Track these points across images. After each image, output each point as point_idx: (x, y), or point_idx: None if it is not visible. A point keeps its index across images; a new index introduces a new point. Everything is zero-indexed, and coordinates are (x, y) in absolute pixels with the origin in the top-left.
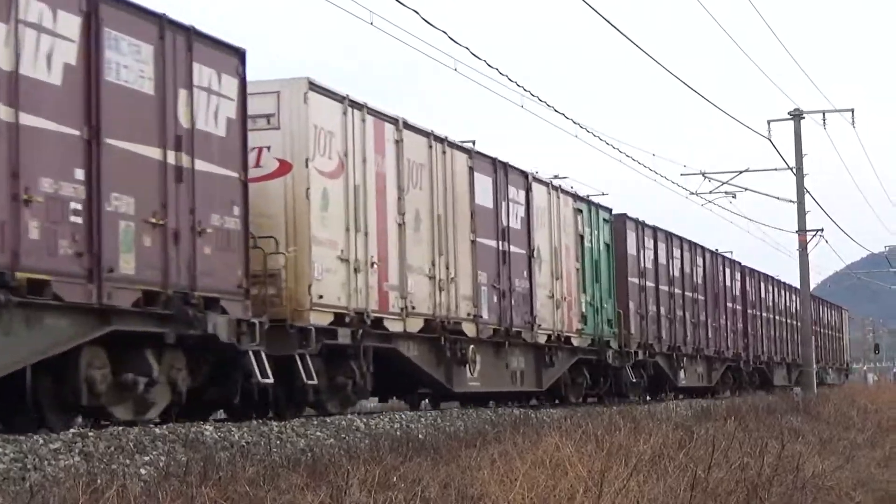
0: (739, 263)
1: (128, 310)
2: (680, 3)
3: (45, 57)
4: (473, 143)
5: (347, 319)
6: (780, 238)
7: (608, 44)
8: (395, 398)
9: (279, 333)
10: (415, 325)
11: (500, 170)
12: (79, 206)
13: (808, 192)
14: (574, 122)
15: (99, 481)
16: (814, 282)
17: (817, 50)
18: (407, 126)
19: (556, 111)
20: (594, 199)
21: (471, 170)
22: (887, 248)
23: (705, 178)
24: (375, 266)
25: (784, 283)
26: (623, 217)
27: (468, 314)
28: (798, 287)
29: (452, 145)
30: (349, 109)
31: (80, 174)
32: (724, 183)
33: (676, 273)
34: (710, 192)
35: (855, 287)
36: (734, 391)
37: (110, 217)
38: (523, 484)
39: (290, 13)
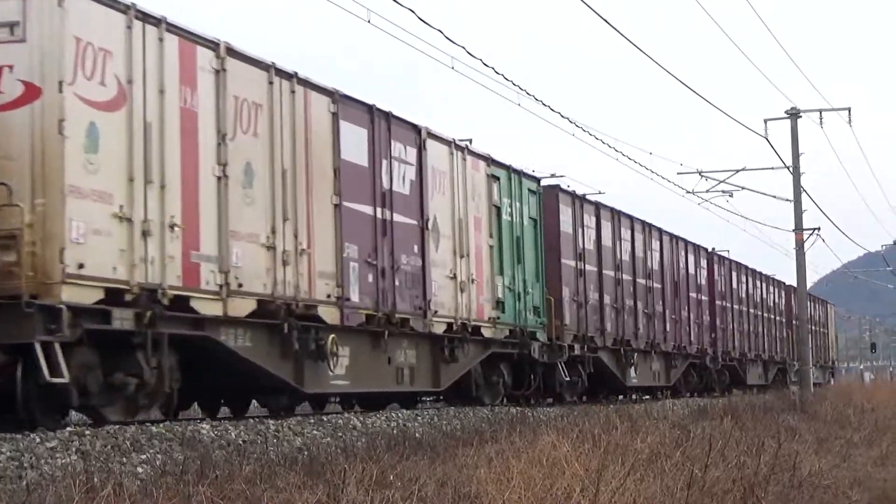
0: (706, 249)
1: None
2: (677, 2)
3: None
4: (470, 141)
5: (129, 298)
6: (777, 237)
7: (605, 42)
8: (224, 405)
9: (13, 314)
10: (242, 307)
11: (379, 120)
12: None
13: (804, 190)
14: (570, 121)
15: (96, 480)
16: (811, 281)
17: (814, 49)
18: (233, 53)
19: (552, 110)
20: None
21: (335, 117)
22: (884, 247)
23: (702, 176)
24: (177, 229)
25: (760, 274)
26: (555, 189)
27: (328, 296)
28: (775, 277)
29: (307, 84)
30: (137, 23)
31: None
32: (720, 182)
33: (625, 257)
34: (707, 191)
35: (852, 286)
36: (699, 392)
37: None
38: (520, 483)
39: (289, 12)
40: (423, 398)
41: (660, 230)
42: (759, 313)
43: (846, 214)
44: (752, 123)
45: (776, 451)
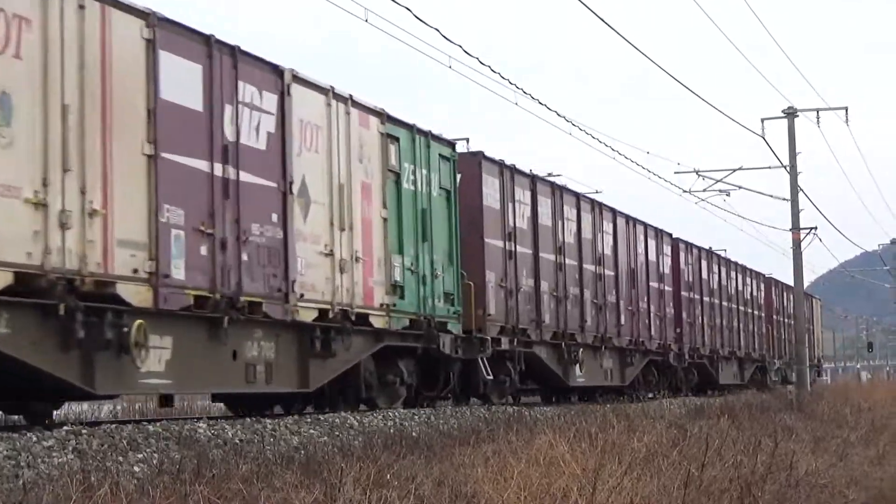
0: (670, 235)
1: None
2: (675, 2)
3: None
4: (467, 140)
5: None
6: (774, 236)
7: (603, 42)
8: None
9: None
10: None
11: (221, 55)
12: None
13: (802, 190)
14: (567, 120)
15: (92, 479)
16: (808, 280)
17: (812, 48)
18: None
19: (549, 109)
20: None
21: (150, 45)
22: (881, 247)
23: (699, 176)
24: None
25: (735, 263)
26: (477, 157)
27: (134, 270)
28: (751, 268)
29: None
30: None
31: None
32: (717, 181)
33: (569, 238)
34: (704, 191)
35: (849, 285)
36: (662, 392)
37: None
38: (517, 482)
39: (287, 11)
40: (294, 401)
41: (613, 210)
42: (734, 306)
43: (843, 214)
44: (749, 123)
45: (773, 450)
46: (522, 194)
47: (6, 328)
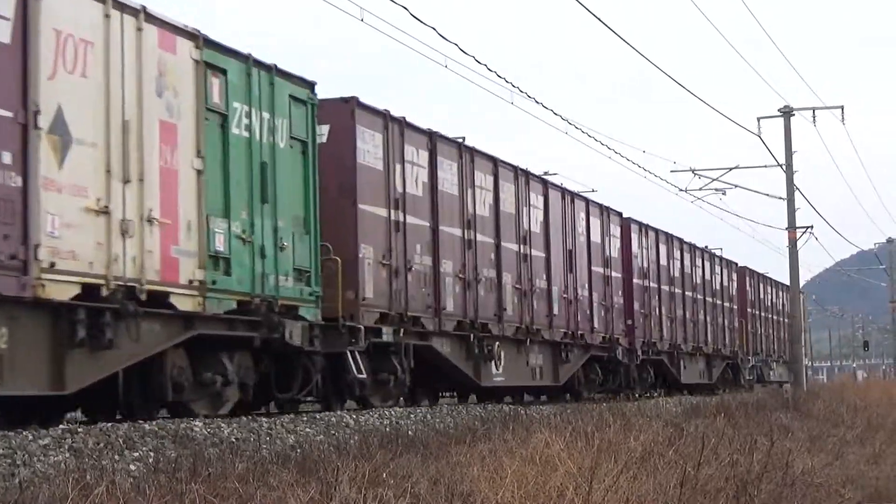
0: (620, 214)
1: None
2: (671, 1)
3: None
4: (463, 139)
5: None
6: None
7: (599, 41)
8: None
9: None
10: None
11: None
12: None
13: (798, 189)
14: (564, 119)
15: (88, 477)
16: (804, 279)
17: (808, 47)
18: None
19: (545, 107)
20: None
21: None
22: (877, 246)
23: (695, 174)
24: None
25: (702, 250)
26: (350, 104)
27: None
28: (721, 256)
29: None
30: None
31: None
32: (713, 180)
33: (482, 211)
34: (700, 189)
35: (845, 284)
36: (609, 394)
37: None
38: (513, 481)
39: (283, 10)
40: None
41: (544, 181)
42: (700, 297)
43: (839, 213)
44: (745, 121)
45: (769, 449)
46: (416, 154)
47: None
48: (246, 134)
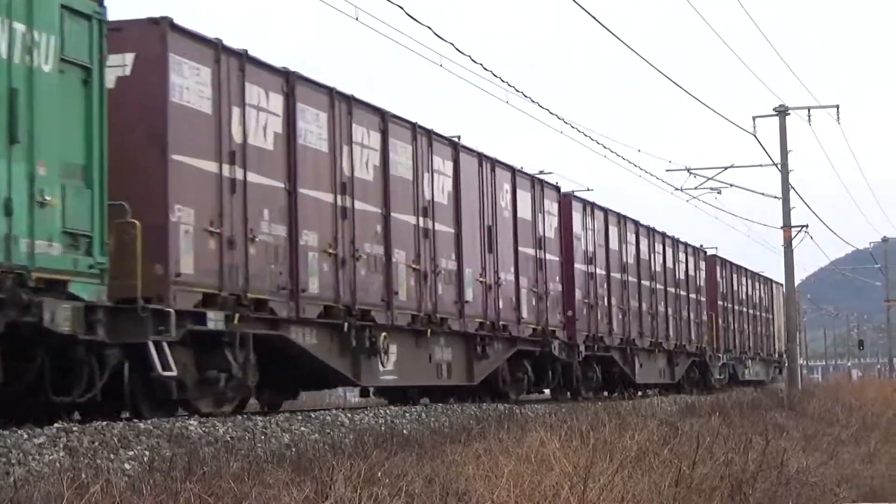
0: (558, 189)
1: None
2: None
3: None
4: (458, 137)
5: None
6: (765, 234)
7: (594, 40)
8: None
9: None
10: None
11: None
12: None
13: (793, 188)
14: (559, 118)
15: (83, 476)
16: (799, 278)
17: (803, 46)
18: None
19: (540, 107)
20: None
21: None
22: (872, 245)
23: (691, 174)
24: None
25: (664, 235)
26: (161, 27)
27: None
28: (687, 243)
29: None
30: None
31: None
32: (709, 179)
33: (363, 174)
34: (696, 188)
35: (840, 283)
36: (547, 394)
37: None
38: (508, 480)
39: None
40: None
41: (453, 143)
42: (660, 287)
43: (834, 212)
44: (740, 120)
45: (764, 448)
46: (264, 98)
47: None
48: None
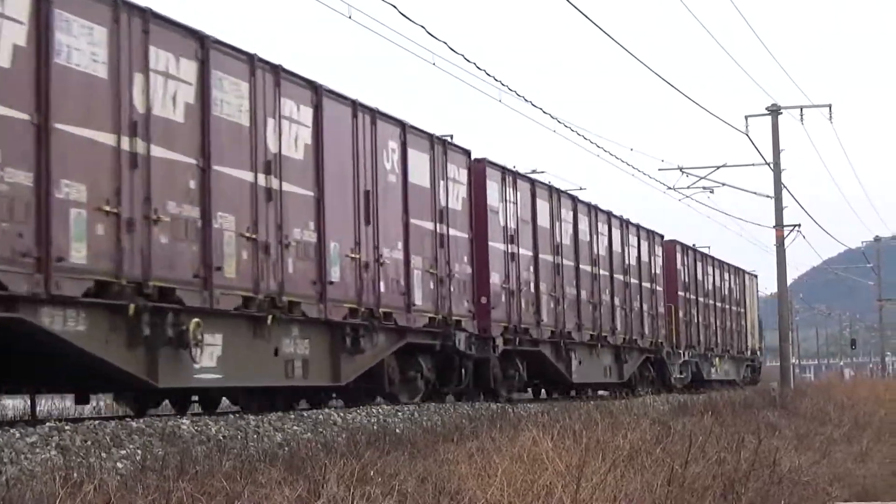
0: (468, 154)
1: None
2: None
3: None
4: (451, 136)
5: None
6: (758, 234)
7: (587, 39)
8: None
9: None
10: None
11: None
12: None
13: (785, 187)
14: (552, 117)
15: (75, 475)
16: (791, 277)
17: (796, 45)
18: None
19: (533, 105)
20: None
21: None
22: (864, 244)
23: (683, 173)
24: None
25: (609, 214)
26: None
27: None
28: (640, 225)
29: None
30: None
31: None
32: (701, 178)
33: (162, 109)
34: (688, 188)
35: (832, 283)
36: (451, 397)
37: None
38: (501, 479)
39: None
40: None
41: (313, 84)
42: (606, 273)
43: (827, 211)
44: (732, 120)
45: (756, 447)
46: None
47: None
48: None
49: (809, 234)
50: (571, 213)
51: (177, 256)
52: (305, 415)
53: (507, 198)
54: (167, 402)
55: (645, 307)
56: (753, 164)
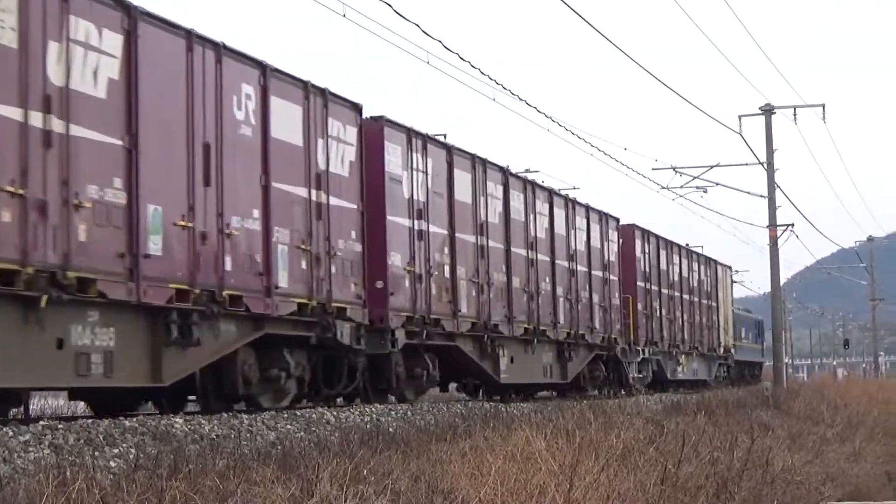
0: (359, 110)
1: None
2: None
3: None
4: (444, 136)
5: None
6: (751, 233)
7: (581, 39)
8: None
9: None
10: None
11: None
12: None
13: (779, 187)
14: (546, 116)
15: (68, 474)
16: (784, 277)
17: (789, 45)
18: None
19: (528, 105)
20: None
21: None
22: (857, 244)
23: (676, 172)
24: None
25: (535, 185)
26: None
27: None
28: (592, 206)
29: None
30: None
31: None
32: (695, 178)
33: None
34: (682, 187)
35: (825, 282)
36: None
37: None
38: (494, 478)
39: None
40: None
41: (129, 10)
42: (546, 258)
43: (820, 211)
44: (726, 119)
45: (749, 446)
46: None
47: None
48: None
49: (803, 234)
50: (501, 188)
51: None
52: (298, 413)
53: (415, 165)
54: None
55: (595, 298)
56: (747, 164)
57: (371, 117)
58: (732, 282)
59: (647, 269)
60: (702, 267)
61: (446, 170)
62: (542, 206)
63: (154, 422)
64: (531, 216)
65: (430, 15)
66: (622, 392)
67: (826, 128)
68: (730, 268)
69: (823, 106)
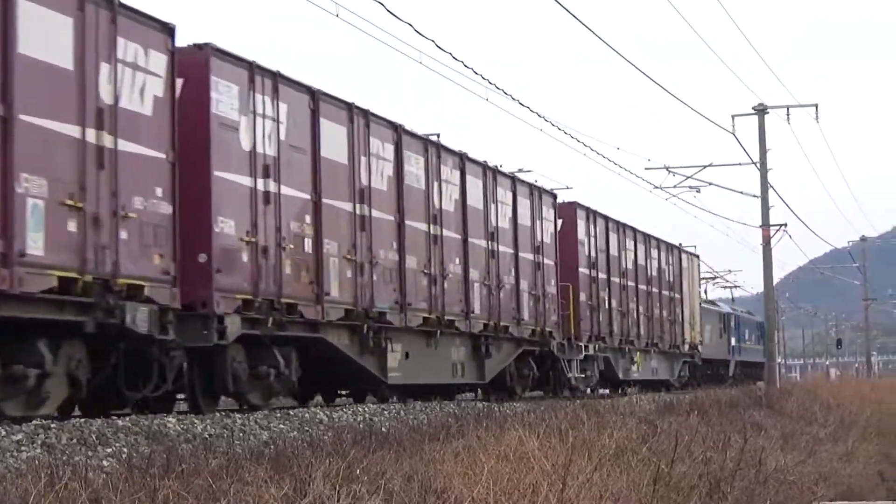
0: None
1: None
2: None
3: None
4: (438, 136)
5: None
6: (744, 233)
7: (574, 38)
8: None
9: None
10: None
11: None
12: None
13: (772, 187)
14: (539, 116)
15: (61, 473)
16: (777, 277)
17: (782, 45)
18: None
19: (520, 104)
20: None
21: None
22: (850, 244)
23: (669, 172)
24: None
25: (442, 147)
26: None
27: None
28: (501, 168)
29: None
30: None
31: None
32: (688, 177)
33: None
34: (675, 187)
35: (818, 282)
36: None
37: None
38: (487, 477)
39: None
40: None
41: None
42: (456, 236)
43: (813, 211)
44: (719, 119)
45: (742, 446)
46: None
47: None
48: None
49: (796, 234)
50: (392, 147)
51: None
52: (291, 413)
53: (259, 110)
54: None
55: (524, 285)
56: (740, 164)
57: (195, 44)
58: (699, 272)
59: (593, 255)
60: (663, 254)
61: (309, 119)
62: (450, 174)
63: (147, 421)
64: (434, 183)
65: (422, 14)
66: (566, 393)
67: (819, 128)
68: (697, 256)
69: (816, 106)
